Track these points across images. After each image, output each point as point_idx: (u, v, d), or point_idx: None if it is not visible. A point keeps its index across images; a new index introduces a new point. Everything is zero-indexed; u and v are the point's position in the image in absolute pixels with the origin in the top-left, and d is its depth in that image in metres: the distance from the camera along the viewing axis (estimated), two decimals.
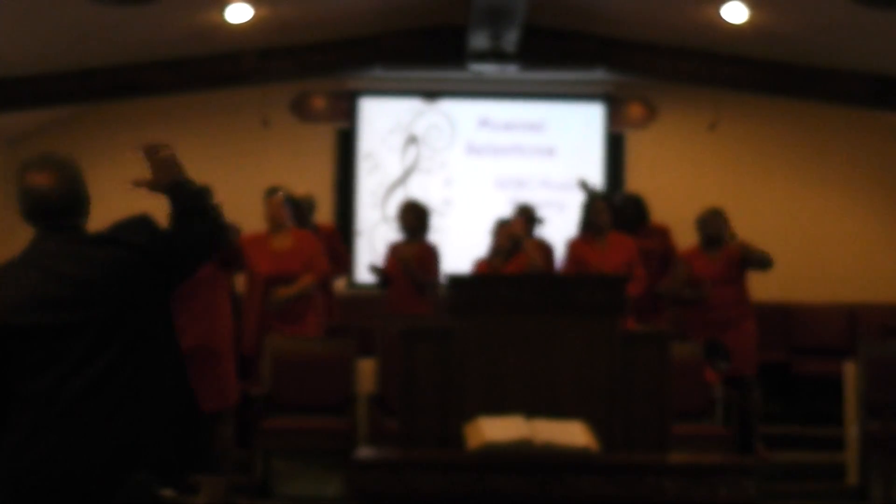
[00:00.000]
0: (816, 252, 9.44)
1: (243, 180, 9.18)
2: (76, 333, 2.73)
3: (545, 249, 8.11)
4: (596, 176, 9.64)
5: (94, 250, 2.82)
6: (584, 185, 8.08)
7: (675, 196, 9.09)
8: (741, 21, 7.84)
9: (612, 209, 7.62)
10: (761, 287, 7.86)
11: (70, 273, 2.78)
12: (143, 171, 2.99)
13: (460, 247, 8.72)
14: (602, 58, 8.75)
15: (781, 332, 8.74)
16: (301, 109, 9.70)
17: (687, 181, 9.50)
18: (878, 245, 9.50)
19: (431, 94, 9.71)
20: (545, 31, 8.54)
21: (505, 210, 8.78)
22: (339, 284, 8.59)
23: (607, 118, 9.70)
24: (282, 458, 6.89)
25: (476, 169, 9.71)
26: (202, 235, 2.96)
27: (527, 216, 8.09)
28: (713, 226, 7.31)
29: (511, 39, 8.11)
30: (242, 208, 8.31)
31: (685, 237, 8.08)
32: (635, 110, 9.74)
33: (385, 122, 9.73)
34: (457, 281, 5.62)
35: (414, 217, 7.83)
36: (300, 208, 7.70)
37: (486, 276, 7.04)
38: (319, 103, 9.71)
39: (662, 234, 7.98)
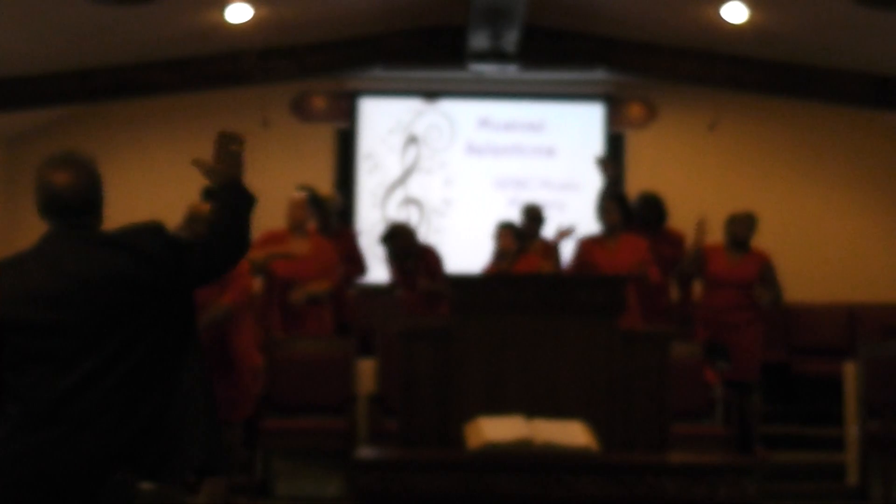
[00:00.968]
0: (816, 252, 9.44)
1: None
2: (68, 331, 2.74)
3: (552, 250, 8.11)
4: (595, 176, 9.63)
5: (100, 251, 2.82)
6: (602, 163, 8.05)
7: (675, 196, 9.08)
8: (741, 21, 7.84)
9: (625, 209, 7.56)
10: None
11: (71, 271, 2.78)
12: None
13: (460, 247, 8.72)
14: (602, 58, 8.75)
15: (781, 332, 8.74)
16: (301, 109, 9.70)
17: (687, 181, 9.49)
18: (878, 245, 9.50)
19: (431, 94, 9.71)
20: (545, 31, 8.54)
21: (505, 210, 8.79)
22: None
23: (607, 118, 9.70)
24: (282, 458, 6.89)
25: (476, 169, 9.71)
26: (229, 247, 2.90)
27: (532, 216, 8.08)
28: (742, 229, 7.28)
29: (511, 39, 8.11)
30: None
31: (685, 237, 8.08)
32: (635, 110, 9.74)
33: (385, 122, 9.73)
34: (457, 281, 5.62)
35: (401, 245, 7.70)
36: (324, 209, 7.70)
37: (485, 276, 7.04)
38: (319, 103, 9.71)
39: (677, 241, 7.92)
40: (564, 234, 7.67)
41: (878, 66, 8.31)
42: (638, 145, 9.71)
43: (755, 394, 7.20)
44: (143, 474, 2.78)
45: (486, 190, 9.66)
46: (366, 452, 5.33)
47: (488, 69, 8.62)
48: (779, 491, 6.64)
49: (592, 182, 9.57)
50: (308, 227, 7.20)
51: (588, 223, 7.91)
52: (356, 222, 9.62)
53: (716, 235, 7.52)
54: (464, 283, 5.57)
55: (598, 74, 9.26)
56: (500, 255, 7.42)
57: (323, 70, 8.94)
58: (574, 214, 9.26)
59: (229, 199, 2.93)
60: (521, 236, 7.53)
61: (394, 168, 9.73)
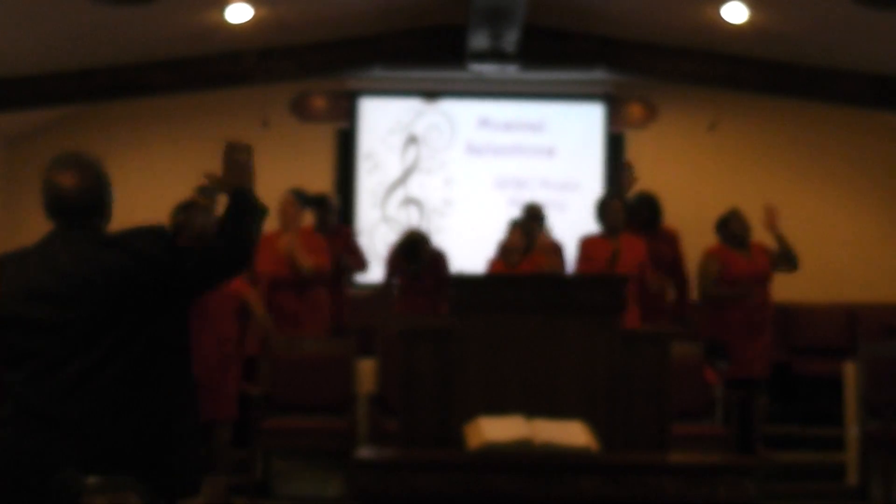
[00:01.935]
0: (816, 252, 9.43)
1: None
2: (61, 330, 2.75)
3: (555, 249, 8.11)
4: (596, 176, 9.64)
5: (100, 252, 2.83)
6: (626, 168, 8.09)
7: (675, 196, 9.08)
8: (741, 21, 7.84)
9: (626, 209, 7.58)
10: None
11: (68, 270, 2.79)
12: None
13: (460, 247, 8.72)
14: (602, 58, 8.75)
15: (781, 332, 8.73)
16: (301, 109, 9.70)
17: (687, 181, 9.50)
18: (878, 245, 9.50)
19: (431, 94, 9.71)
20: (545, 31, 8.54)
21: (505, 210, 8.79)
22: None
23: (607, 118, 9.71)
24: (282, 458, 6.89)
25: (476, 169, 9.71)
26: (232, 254, 2.91)
27: (533, 215, 8.09)
28: (741, 226, 7.31)
29: (511, 39, 8.11)
30: None
31: (685, 237, 8.08)
32: (635, 110, 9.74)
33: (385, 122, 9.73)
34: (457, 281, 5.62)
35: (412, 251, 7.71)
36: (325, 209, 7.72)
37: (486, 276, 7.04)
38: (319, 103, 9.71)
39: (673, 239, 7.94)
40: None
41: (878, 66, 8.31)
42: (638, 145, 9.70)
43: (763, 395, 7.22)
44: (141, 476, 2.77)
45: (486, 190, 9.66)
46: (366, 452, 5.32)
47: (488, 69, 8.62)
48: (779, 491, 6.64)
49: (592, 182, 9.58)
50: (301, 224, 7.27)
51: (588, 223, 7.90)
52: (356, 222, 9.62)
53: (714, 236, 7.52)
54: (464, 283, 5.57)
55: (598, 74, 9.26)
56: (507, 252, 7.43)
57: (323, 70, 8.93)
58: (574, 214, 9.27)
59: (237, 208, 2.93)
60: (530, 235, 7.56)
61: (394, 168, 9.73)
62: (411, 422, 5.26)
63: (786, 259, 7.32)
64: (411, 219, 9.50)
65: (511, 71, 8.71)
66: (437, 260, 7.76)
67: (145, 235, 2.87)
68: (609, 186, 9.39)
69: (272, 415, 6.68)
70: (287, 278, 7.05)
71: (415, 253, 7.61)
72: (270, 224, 7.28)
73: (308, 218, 7.73)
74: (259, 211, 2.96)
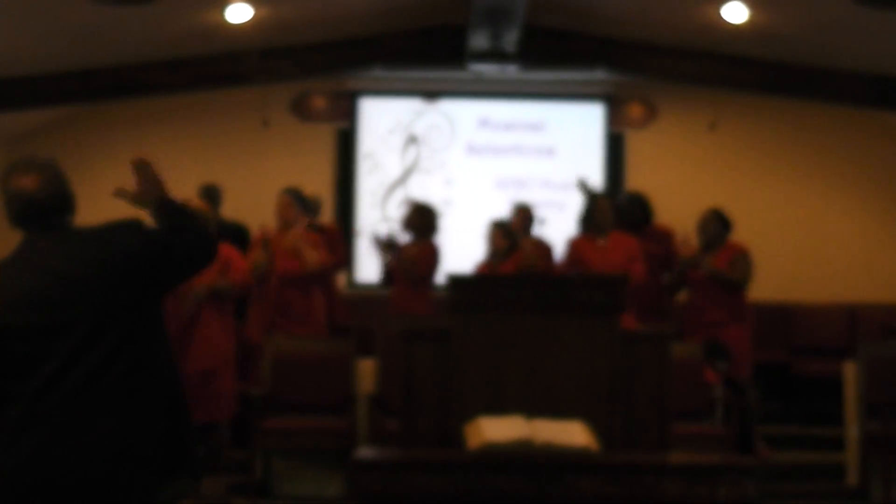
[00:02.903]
0: (816, 252, 9.44)
1: (243, 180, 9.19)
2: (65, 332, 2.74)
3: (544, 248, 8.10)
4: (596, 176, 9.63)
5: (84, 248, 2.83)
6: (582, 186, 8.07)
7: (675, 196, 9.09)
8: (741, 21, 7.84)
9: (616, 209, 7.60)
10: (761, 287, 7.85)
11: (61, 271, 2.78)
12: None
13: (460, 247, 8.71)
14: (602, 58, 8.75)
15: (781, 332, 8.74)
16: (301, 109, 9.70)
17: (687, 181, 9.50)
18: (878, 245, 9.50)
19: (431, 94, 9.71)
20: (545, 31, 8.54)
21: (505, 210, 8.77)
22: (340, 283, 8.58)
23: (607, 118, 9.70)
24: (282, 458, 6.89)
25: (476, 169, 9.71)
26: (192, 246, 2.98)
27: (524, 215, 8.09)
28: (708, 229, 7.34)
29: (511, 39, 8.11)
30: (243, 208, 8.35)
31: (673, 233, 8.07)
32: (635, 110, 9.74)
33: (385, 122, 9.73)
34: (457, 281, 5.62)
35: (418, 218, 7.82)
36: (308, 209, 7.75)
37: (486, 276, 7.04)
38: (319, 103, 9.71)
39: (665, 237, 7.96)
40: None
41: (878, 66, 8.31)
42: (638, 145, 9.71)
43: (750, 391, 7.20)
44: (159, 473, 2.78)
45: (486, 190, 9.66)
46: (366, 452, 5.32)
47: (488, 69, 8.62)
48: (779, 491, 6.64)
49: (592, 182, 9.57)
50: (298, 225, 7.28)
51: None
52: (356, 222, 9.62)
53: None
54: (464, 283, 5.57)
55: (598, 74, 9.26)
56: (493, 255, 7.49)
57: (323, 70, 8.93)
58: (574, 214, 9.27)
59: (167, 217, 2.99)
60: (511, 234, 7.60)
61: (394, 168, 9.73)
62: (411, 422, 5.26)
63: (733, 269, 7.30)
64: None
65: (511, 71, 8.71)
66: (426, 254, 7.78)
67: (123, 228, 2.89)
68: (609, 186, 9.40)
69: (272, 415, 6.68)
70: (295, 274, 7.08)
71: (425, 221, 7.71)
72: (260, 223, 7.34)
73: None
74: (186, 213, 3.01)
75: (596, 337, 5.25)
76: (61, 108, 9.25)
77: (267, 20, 8.06)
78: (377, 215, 9.69)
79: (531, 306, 5.28)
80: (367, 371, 6.91)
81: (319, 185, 9.23)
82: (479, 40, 8.15)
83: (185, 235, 2.97)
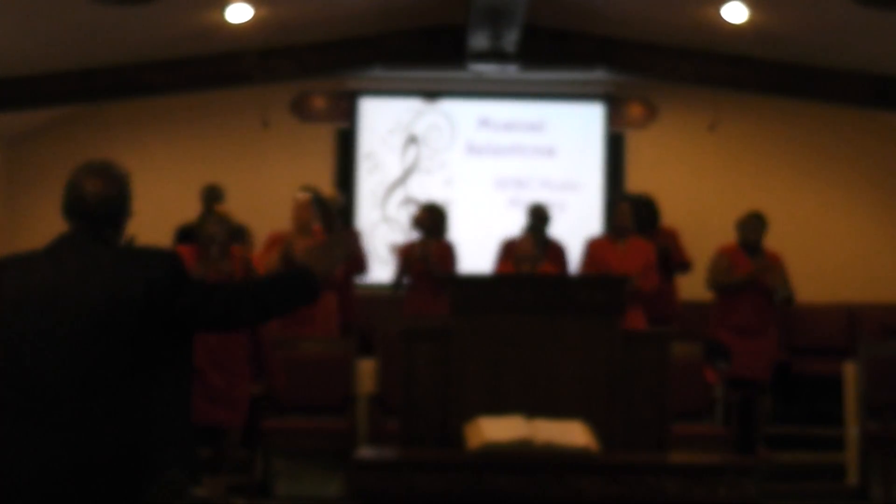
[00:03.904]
0: (816, 252, 9.44)
1: (243, 180, 9.19)
2: (69, 336, 2.74)
3: (558, 250, 8.11)
4: (596, 176, 9.64)
5: (107, 267, 2.82)
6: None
7: (675, 196, 9.09)
8: (741, 21, 7.84)
9: (635, 212, 7.58)
10: None
11: (75, 278, 2.78)
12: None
13: (460, 247, 8.71)
14: (602, 58, 8.75)
15: (782, 332, 8.73)
16: (301, 109, 9.70)
17: (687, 181, 9.50)
18: (878, 245, 9.50)
19: (431, 94, 9.71)
20: (545, 31, 8.54)
21: (505, 210, 8.79)
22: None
23: (607, 118, 9.70)
24: (282, 458, 6.89)
25: (476, 169, 9.71)
26: (252, 317, 2.92)
27: (539, 216, 8.08)
28: (753, 231, 7.33)
29: (511, 39, 8.11)
30: (243, 208, 8.35)
31: (684, 236, 8.08)
32: (635, 110, 9.74)
33: (385, 122, 9.73)
34: (456, 281, 5.62)
35: (429, 218, 7.82)
36: (328, 209, 7.72)
37: (485, 276, 7.04)
38: (319, 103, 9.71)
39: (670, 237, 7.97)
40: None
41: (878, 66, 8.31)
42: (638, 145, 9.71)
43: (766, 396, 7.22)
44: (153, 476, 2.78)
45: (486, 190, 9.66)
46: (366, 452, 5.32)
47: (488, 69, 8.62)
48: (779, 491, 6.64)
49: (592, 182, 9.58)
50: (313, 227, 7.22)
51: (588, 223, 7.91)
52: (356, 222, 9.62)
53: (715, 236, 7.53)
54: (464, 283, 5.57)
55: (598, 74, 9.26)
56: (519, 259, 7.32)
57: (323, 70, 8.94)
58: (574, 214, 9.28)
59: (298, 283, 2.93)
60: (544, 245, 7.51)
61: (394, 168, 9.73)
62: (411, 422, 5.25)
63: (782, 292, 7.32)
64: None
65: (511, 71, 8.71)
66: (445, 253, 7.79)
67: (158, 258, 2.86)
68: (612, 187, 9.40)
69: (272, 415, 6.68)
70: None
71: (435, 220, 7.71)
72: (278, 222, 7.29)
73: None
74: (308, 299, 2.94)
75: (596, 337, 5.25)
76: (62, 108, 9.25)
77: (267, 20, 8.07)
78: (377, 215, 9.69)
79: (531, 306, 5.28)
80: (367, 371, 6.91)
81: (319, 185, 9.23)
82: (479, 40, 8.15)
83: (259, 299, 2.88)
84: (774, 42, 8.24)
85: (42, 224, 2.98)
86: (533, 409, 5.10)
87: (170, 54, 8.54)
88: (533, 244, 7.29)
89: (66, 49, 8.11)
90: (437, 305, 7.53)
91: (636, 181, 9.38)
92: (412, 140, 9.74)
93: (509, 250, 7.72)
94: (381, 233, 9.57)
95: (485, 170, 9.70)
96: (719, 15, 7.82)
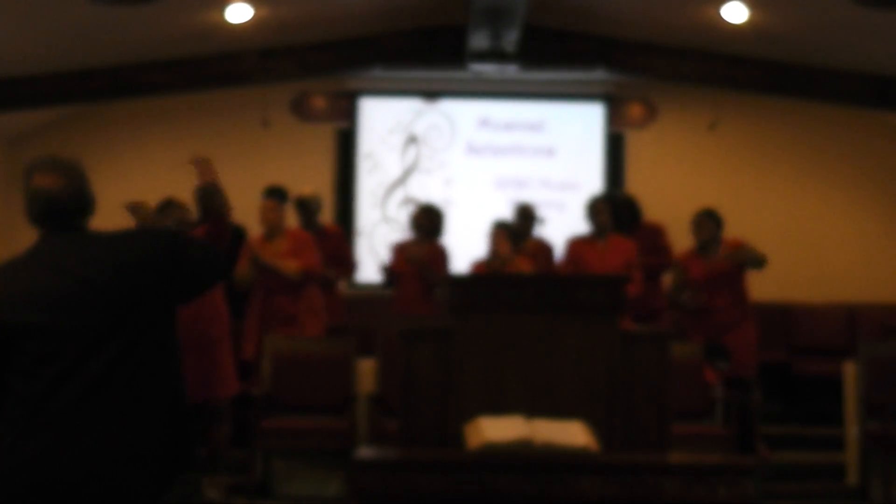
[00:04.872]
0: (816, 252, 9.44)
1: (243, 180, 9.18)
2: (73, 335, 2.73)
3: (545, 249, 8.10)
4: (596, 176, 9.64)
5: (99, 252, 2.83)
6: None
7: (675, 196, 9.09)
8: (741, 21, 7.84)
9: (615, 211, 7.58)
10: (761, 287, 7.85)
11: (74, 273, 2.78)
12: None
13: (460, 247, 8.71)
14: (602, 58, 8.75)
15: (781, 332, 8.74)
16: (301, 109, 9.70)
17: (687, 181, 9.50)
18: (878, 245, 9.50)
19: (431, 94, 9.71)
20: (545, 31, 8.54)
21: (505, 210, 8.78)
22: (340, 284, 8.58)
23: (607, 118, 9.71)
24: (282, 458, 6.89)
25: (476, 169, 9.72)
26: (203, 264, 3.02)
27: (525, 215, 8.08)
28: (703, 229, 7.27)
29: (511, 39, 8.11)
30: (243, 208, 8.34)
31: (685, 237, 8.07)
32: (635, 110, 9.74)
33: (385, 122, 9.73)
34: (456, 281, 5.62)
35: (427, 219, 7.83)
36: (307, 208, 7.70)
37: (485, 276, 7.03)
38: (319, 103, 9.71)
39: (655, 233, 7.96)
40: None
41: (878, 66, 8.31)
42: (638, 145, 9.71)
43: (755, 391, 7.20)
44: (160, 476, 2.79)
45: (486, 190, 9.67)
46: (366, 452, 5.32)
47: (488, 69, 8.62)
48: (779, 491, 6.64)
49: (592, 182, 9.59)
50: (284, 227, 7.19)
51: (588, 223, 7.90)
52: (356, 222, 9.62)
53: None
54: (464, 283, 5.57)
55: (598, 74, 9.26)
56: (494, 256, 7.40)
57: (323, 70, 8.94)
58: (574, 214, 9.28)
59: (213, 228, 3.27)
60: (516, 238, 7.49)
61: (394, 168, 9.73)
62: (411, 422, 5.25)
63: (751, 264, 7.19)
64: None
65: (511, 71, 8.71)
66: (433, 253, 7.78)
67: (144, 235, 2.88)
68: (609, 186, 9.40)
69: (272, 415, 6.68)
70: (280, 282, 7.01)
71: (433, 222, 7.74)
72: (256, 230, 7.29)
73: (292, 218, 7.69)
74: (224, 231, 3.28)
75: (596, 337, 5.25)
76: (61, 108, 9.25)
77: (267, 20, 8.07)
78: (377, 215, 9.70)
79: (531, 306, 5.28)
80: (367, 371, 6.91)
81: (319, 185, 9.24)
82: (479, 40, 8.15)
83: (199, 252, 2.99)
84: (774, 42, 8.24)
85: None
86: (533, 409, 5.10)
87: (170, 54, 8.54)
88: (505, 240, 7.27)
89: (66, 49, 8.11)
90: (425, 306, 7.54)
91: (636, 181, 9.38)
92: (412, 140, 9.74)
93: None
94: (381, 233, 9.57)
95: (485, 170, 9.70)
96: (719, 15, 7.82)
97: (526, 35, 8.18)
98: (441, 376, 5.24)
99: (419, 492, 4.70)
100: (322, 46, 8.72)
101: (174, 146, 9.56)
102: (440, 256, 7.79)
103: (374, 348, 6.96)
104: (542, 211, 8.52)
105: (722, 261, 7.14)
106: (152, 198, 8.41)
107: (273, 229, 7.11)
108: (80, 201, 2.89)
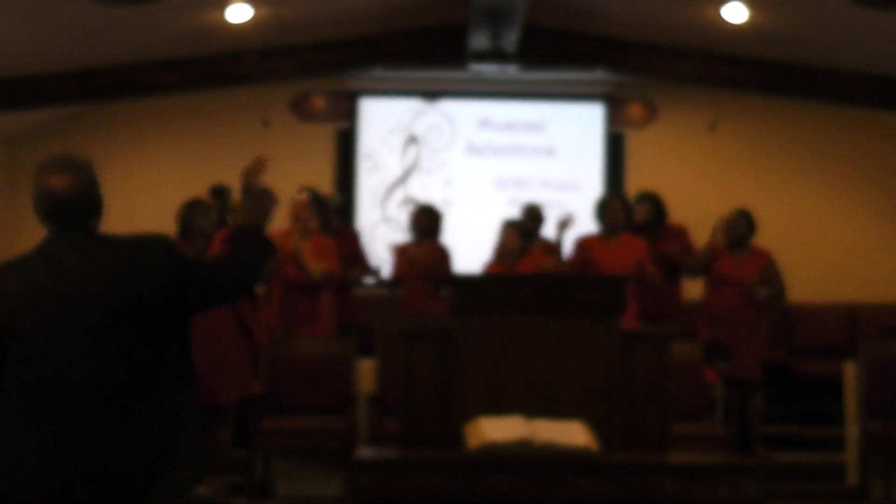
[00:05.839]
0: (816, 252, 9.44)
1: None
2: (71, 337, 2.73)
3: (553, 249, 8.10)
4: (596, 176, 9.64)
5: (106, 257, 2.82)
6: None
7: (675, 196, 9.08)
8: (741, 21, 7.84)
9: (628, 209, 7.57)
10: None
11: (77, 276, 2.77)
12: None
13: (460, 247, 8.71)
14: (602, 58, 8.75)
15: (781, 332, 8.74)
16: (301, 109, 9.70)
17: (687, 181, 9.50)
18: (878, 245, 9.50)
19: (431, 94, 9.71)
20: (545, 31, 8.54)
21: (505, 210, 8.78)
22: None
23: (607, 118, 9.71)
24: (282, 458, 6.89)
25: (476, 169, 9.72)
26: (237, 282, 2.99)
27: (534, 216, 8.08)
28: (736, 228, 7.31)
29: (511, 39, 8.11)
30: None
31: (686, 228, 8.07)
32: (635, 110, 9.74)
33: (385, 122, 9.73)
34: (456, 281, 5.62)
35: (426, 219, 7.83)
36: (326, 209, 7.71)
37: (485, 276, 7.03)
38: (319, 103, 9.71)
39: (680, 234, 7.94)
40: (565, 224, 7.48)
41: (879, 66, 8.31)
42: (638, 145, 9.71)
43: (757, 393, 7.20)
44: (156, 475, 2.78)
45: (486, 190, 9.66)
46: (366, 452, 5.32)
47: (488, 69, 8.62)
48: (779, 491, 6.64)
49: (592, 182, 9.59)
50: (311, 227, 7.21)
51: (588, 223, 7.89)
52: (356, 222, 9.62)
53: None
54: (464, 283, 5.57)
55: (598, 74, 9.26)
56: (503, 254, 7.42)
57: (323, 70, 8.94)
58: (574, 214, 9.26)
59: (248, 243, 3.02)
60: (526, 235, 7.54)
61: (394, 168, 9.73)
62: (411, 422, 5.25)
63: (770, 298, 7.27)
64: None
65: (511, 71, 8.71)
66: (435, 253, 7.79)
67: (156, 246, 2.87)
68: (612, 187, 9.40)
69: (272, 415, 6.68)
70: (299, 281, 7.02)
71: (432, 222, 7.74)
72: (278, 222, 7.28)
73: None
74: (268, 251, 3.05)
75: (596, 337, 5.25)
76: (61, 108, 9.25)
77: (267, 20, 8.06)
78: (377, 215, 9.70)
79: (531, 306, 5.28)
80: (367, 371, 6.91)
81: (319, 185, 9.23)
82: (479, 40, 8.15)
83: (229, 269, 2.97)
84: (774, 42, 8.24)
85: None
86: (533, 409, 5.10)
87: (170, 54, 8.53)
88: (515, 237, 7.31)
89: (66, 49, 8.11)
90: (432, 305, 7.54)
91: (636, 181, 9.37)
92: (412, 140, 9.74)
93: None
94: (381, 233, 9.57)
95: (485, 170, 9.70)
96: (719, 15, 7.82)
97: (526, 35, 8.18)
98: (441, 376, 5.24)
99: (419, 492, 4.70)
100: (322, 46, 8.72)
101: (174, 146, 9.56)
102: (443, 255, 7.80)
103: (374, 348, 6.96)
104: (542, 211, 8.51)
105: (744, 276, 7.17)
106: (152, 198, 8.42)
107: (303, 226, 7.11)
108: (88, 203, 2.88)
